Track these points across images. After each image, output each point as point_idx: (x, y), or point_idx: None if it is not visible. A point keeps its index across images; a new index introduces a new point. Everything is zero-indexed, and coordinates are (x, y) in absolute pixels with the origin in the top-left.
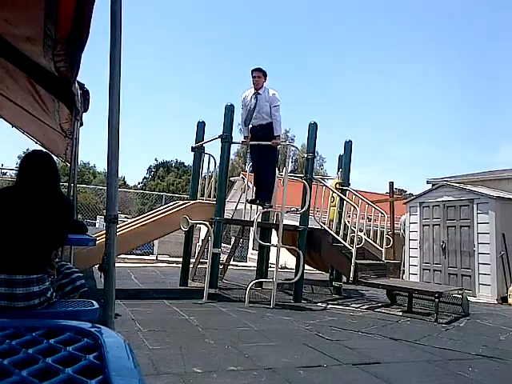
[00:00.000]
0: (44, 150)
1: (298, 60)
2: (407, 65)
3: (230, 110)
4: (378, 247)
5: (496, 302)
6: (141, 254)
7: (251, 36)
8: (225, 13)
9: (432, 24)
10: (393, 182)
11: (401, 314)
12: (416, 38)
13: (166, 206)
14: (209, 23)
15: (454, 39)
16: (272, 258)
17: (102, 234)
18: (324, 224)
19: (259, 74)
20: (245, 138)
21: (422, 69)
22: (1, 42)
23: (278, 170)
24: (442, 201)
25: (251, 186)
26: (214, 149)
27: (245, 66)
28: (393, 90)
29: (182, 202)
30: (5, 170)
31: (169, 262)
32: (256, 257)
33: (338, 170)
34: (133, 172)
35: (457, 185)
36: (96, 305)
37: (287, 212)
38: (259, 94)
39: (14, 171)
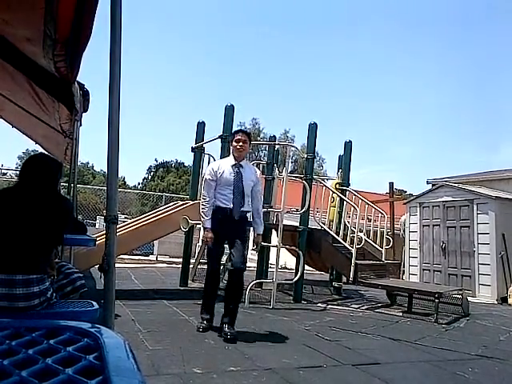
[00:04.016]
0: (46, 153)
1: (297, 60)
2: (408, 64)
3: (230, 110)
4: (378, 247)
5: (496, 303)
6: (141, 255)
7: (251, 35)
8: (225, 12)
9: (433, 23)
10: (393, 183)
11: (401, 314)
12: (416, 37)
13: (166, 206)
14: (209, 22)
15: (454, 38)
16: (272, 258)
17: (102, 235)
18: (324, 224)
19: (245, 138)
20: (208, 230)
21: (423, 68)
22: (1, 42)
23: (278, 170)
24: (442, 201)
25: None
26: (214, 149)
27: (245, 65)
28: (393, 89)
29: (182, 203)
30: (5, 170)
31: (169, 262)
32: (256, 257)
33: (338, 170)
34: (133, 172)
35: (456, 185)
36: (96, 305)
37: (287, 212)
38: (241, 166)
39: (14, 171)
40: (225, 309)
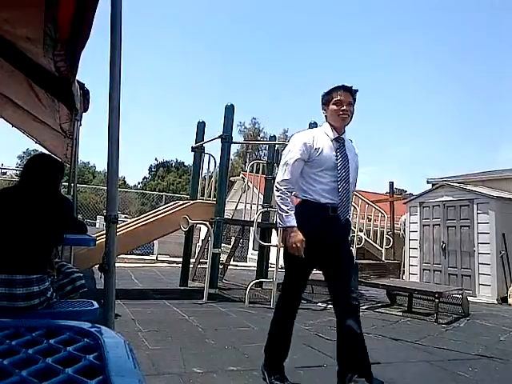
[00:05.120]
0: (48, 153)
1: (297, 58)
2: (408, 64)
3: (230, 110)
4: (378, 247)
5: (496, 302)
6: (141, 254)
7: (251, 35)
8: (225, 13)
9: (434, 23)
10: (393, 182)
11: (401, 314)
12: (417, 37)
13: (166, 205)
14: (209, 23)
15: (455, 38)
16: (272, 258)
17: (102, 234)
18: None
19: (350, 99)
20: (294, 230)
21: (423, 68)
22: (1, 42)
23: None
24: (442, 201)
25: (251, 186)
26: (214, 149)
27: (245, 65)
28: (394, 89)
29: (182, 202)
30: (5, 170)
31: (169, 262)
32: (256, 257)
33: None
34: (133, 172)
35: (457, 185)
36: (96, 305)
37: None
38: (344, 141)
39: (14, 171)
40: (349, 359)
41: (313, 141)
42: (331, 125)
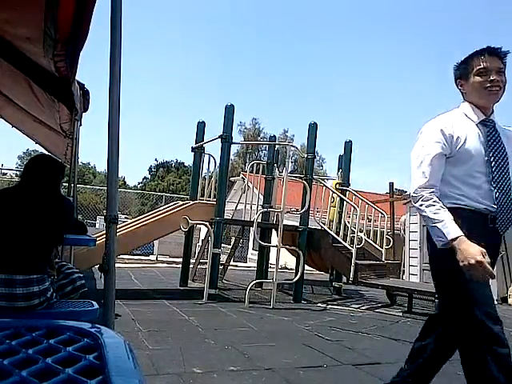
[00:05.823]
0: (48, 154)
1: (297, 58)
2: (407, 63)
3: (230, 110)
4: (378, 247)
5: (496, 303)
6: (141, 255)
7: (252, 35)
8: (225, 13)
9: (432, 21)
10: (393, 182)
11: (401, 314)
12: (416, 36)
13: (166, 206)
14: (210, 22)
15: (455, 37)
16: (272, 258)
17: (102, 235)
18: (324, 224)
19: (500, 65)
20: (464, 242)
21: (422, 67)
22: (1, 42)
23: (278, 170)
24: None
25: (251, 186)
26: (214, 149)
27: (246, 65)
28: (393, 89)
29: (181, 203)
30: (5, 170)
31: (169, 262)
32: (256, 257)
33: (338, 171)
34: (133, 172)
35: None
36: (96, 305)
37: (287, 212)
38: (493, 122)
39: (14, 171)
40: None
41: (452, 128)
42: (473, 104)
